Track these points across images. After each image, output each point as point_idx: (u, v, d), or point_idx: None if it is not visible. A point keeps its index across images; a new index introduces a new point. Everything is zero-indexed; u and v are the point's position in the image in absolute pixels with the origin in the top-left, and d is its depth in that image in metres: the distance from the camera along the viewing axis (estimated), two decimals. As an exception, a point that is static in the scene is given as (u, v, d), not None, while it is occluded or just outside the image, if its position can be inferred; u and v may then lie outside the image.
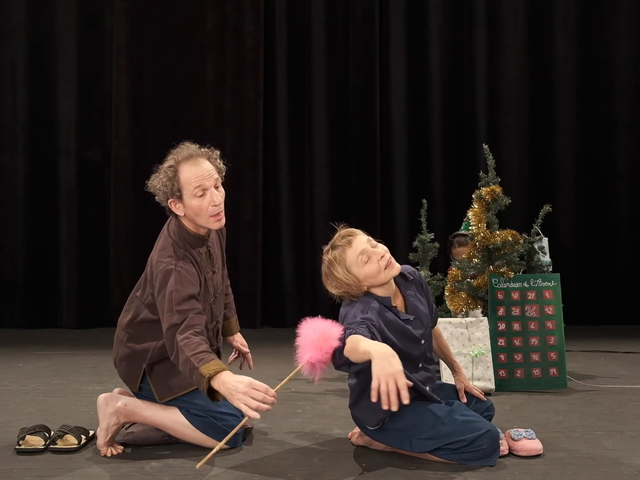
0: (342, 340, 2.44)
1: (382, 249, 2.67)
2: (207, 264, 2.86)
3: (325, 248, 2.72)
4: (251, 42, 7.02)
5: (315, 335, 2.45)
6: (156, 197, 2.86)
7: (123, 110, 6.97)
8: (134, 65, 6.98)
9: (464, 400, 2.85)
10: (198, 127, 6.95)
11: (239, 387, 2.34)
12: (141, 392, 2.88)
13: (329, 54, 7.12)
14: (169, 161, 2.80)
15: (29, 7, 6.99)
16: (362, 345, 2.31)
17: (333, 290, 2.67)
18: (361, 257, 2.62)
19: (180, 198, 2.77)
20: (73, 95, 7.00)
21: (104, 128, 7.05)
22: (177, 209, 2.80)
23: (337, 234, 2.71)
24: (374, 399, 2.20)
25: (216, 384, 2.40)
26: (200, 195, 2.74)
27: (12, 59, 7.01)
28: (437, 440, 2.60)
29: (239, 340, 3.25)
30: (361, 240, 2.67)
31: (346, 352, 2.42)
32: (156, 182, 2.81)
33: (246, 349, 3.24)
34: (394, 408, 2.18)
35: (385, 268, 2.62)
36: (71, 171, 7.00)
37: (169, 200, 2.80)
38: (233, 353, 3.26)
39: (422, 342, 2.72)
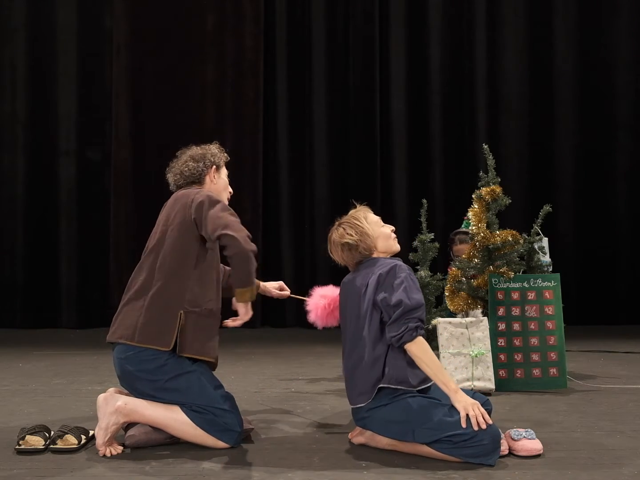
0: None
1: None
2: None
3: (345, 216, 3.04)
4: (251, 42, 7.03)
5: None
6: (190, 166, 3.06)
7: (123, 110, 6.98)
8: (134, 65, 6.99)
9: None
10: (198, 127, 6.95)
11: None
12: (158, 355, 2.80)
13: (329, 54, 7.13)
14: (209, 147, 3.17)
15: (29, 7, 7.00)
16: (442, 375, 2.69)
17: (350, 237, 2.91)
18: (379, 221, 3.00)
19: (219, 170, 3.14)
20: (73, 95, 7.01)
21: (104, 128, 7.06)
22: (213, 177, 3.11)
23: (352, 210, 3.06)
24: (464, 425, 2.58)
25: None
26: (227, 177, 3.22)
27: (12, 59, 7.01)
28: (440, 431, 2.61)
29: (272, 289, 3.46)
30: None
31: (415, 352, 2.68)
32: (214, 150, 3.14)
33: (285, 292, 3.49)
34: (484, 426, 2.57)
35: (393, 238, 2.98)
36: (71, 171, 7.01)
37: (213, 167, 3.10)
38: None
39: None
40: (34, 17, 7.00)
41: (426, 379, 2.75)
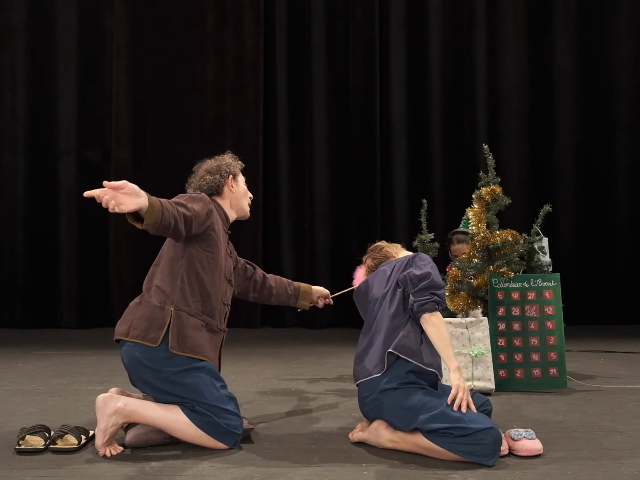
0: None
1: None
2: (225, 242, 3.14)
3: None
4: (251, 42, 7.02)
5: None
6: (208, 179, 3.16)
7: (123, 110, 6.98)
8: (134, 65, 6.98)
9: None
10: (198, 127, 6.96)
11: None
12: (160, 346, 2.84)
13: (329, 54, 7.12)
14: (222, 157, 3.28)
15: (29, 7, 7.00)
16: (450, 351, 2.79)
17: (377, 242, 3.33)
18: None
19: (236, 178, 3.25)
20: (73, 95, 7.00)
21: (104, 128, 7.05)
22: (232, 187, 3.22)
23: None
24: (449, 402, 2.68)
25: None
26: (245, 183, 3.33)
27: (12, 59, 7.01)
28: (442, 421, 2.63)
29: (319, 294, 3.69)
30: None
31: (433, 322, 2.81)
32: (228, 160, 3.25)
33: (328, 299, 3.70)
34: (464, 410, 2.65)
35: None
36: (71, 171, 7.00)
37: (230, 177, 3.21)
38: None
39: None
40: (34, 17, 7.00)
41: (434, 363, 2.83)
